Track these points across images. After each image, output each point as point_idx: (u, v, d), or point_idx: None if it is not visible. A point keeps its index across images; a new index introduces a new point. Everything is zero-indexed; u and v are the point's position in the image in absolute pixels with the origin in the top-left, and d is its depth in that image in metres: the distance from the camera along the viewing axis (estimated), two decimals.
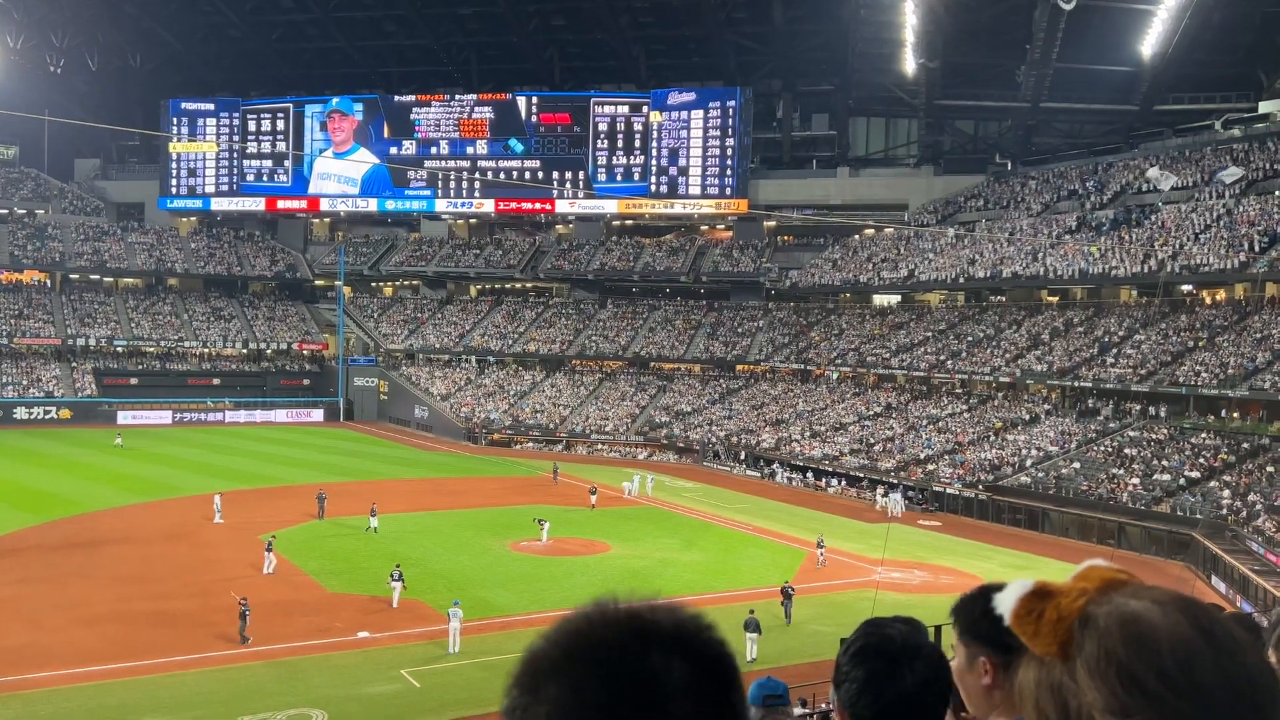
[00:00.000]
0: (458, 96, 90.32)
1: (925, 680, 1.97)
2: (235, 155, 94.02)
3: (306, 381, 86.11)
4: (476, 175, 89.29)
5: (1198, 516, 40.36)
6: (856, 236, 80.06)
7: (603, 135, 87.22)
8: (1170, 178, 62.82)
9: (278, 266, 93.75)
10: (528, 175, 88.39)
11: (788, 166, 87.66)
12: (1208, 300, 56.83)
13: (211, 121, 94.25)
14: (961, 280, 68.36)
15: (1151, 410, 50.27)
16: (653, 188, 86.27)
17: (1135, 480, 44.66)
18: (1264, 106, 62.60)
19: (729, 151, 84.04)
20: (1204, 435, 46.68)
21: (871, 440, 57.99)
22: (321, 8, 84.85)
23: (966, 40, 67.84)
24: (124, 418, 74.40)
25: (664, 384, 75.66)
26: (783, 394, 69.58)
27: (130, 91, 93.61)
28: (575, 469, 59.12)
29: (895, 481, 51.40)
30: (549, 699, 1.08)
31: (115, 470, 54.74)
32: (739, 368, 75.87)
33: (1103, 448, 48.94)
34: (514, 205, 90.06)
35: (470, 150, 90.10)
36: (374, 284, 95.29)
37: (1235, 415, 47.80)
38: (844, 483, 54.70)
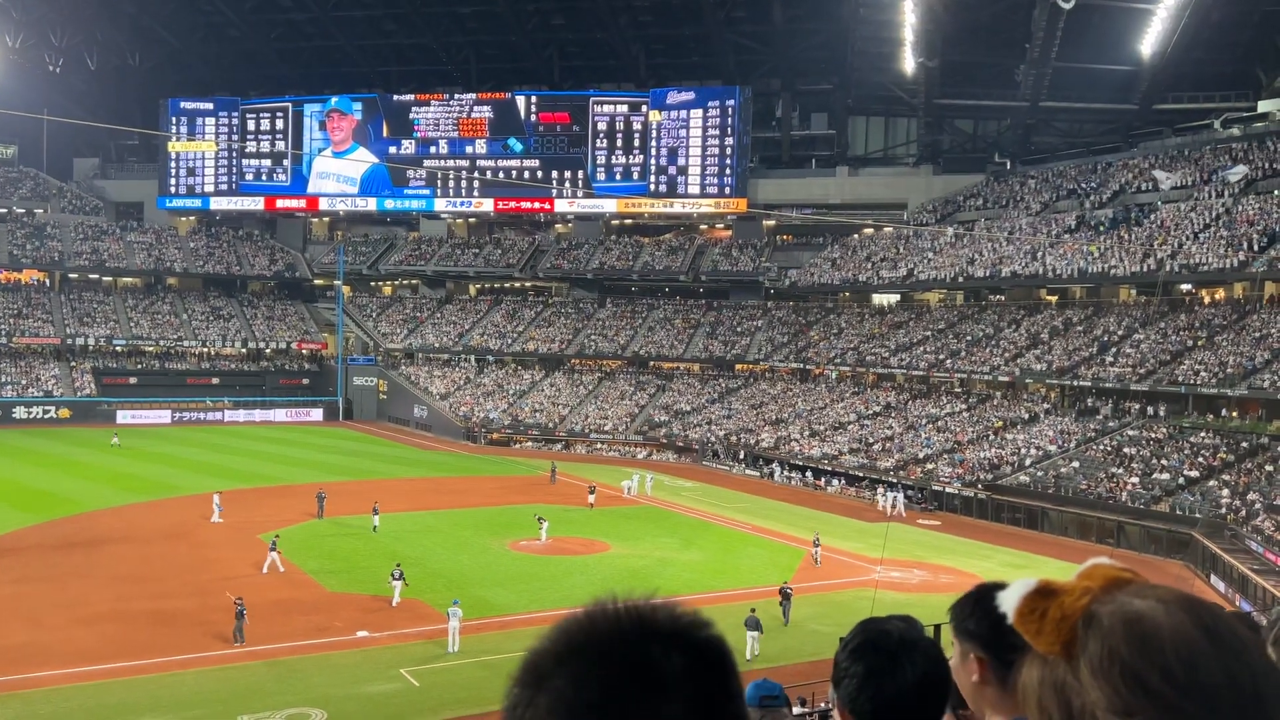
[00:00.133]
0: (457, 96, 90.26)
1: (924, 674, 1.98)
2: (234, 154, 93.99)
3: (306, 381, 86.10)
4: (475, 174, 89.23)
5: (1197, 516, 40.36)
6: (855, 236, 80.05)
7: (602, 134, 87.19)
8: (1174, 179, 62.91)
9: (277, 266, 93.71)
10: (527, 175, 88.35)
11: (787, 166, 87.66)
12: (1207, 299, 56.86)
13: (210, 121, 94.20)
14: (961, 279, 68.38)
15: (1150, 409, 50.25)
16: (652, 187, 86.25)
17: (1134, 479, 44.68)
18: (1263, 105, 62.67)
19: (728, 151, 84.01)
20: (1203, 434, 46.68)
21: (871, 439, 57.99)
22: (321, 7, 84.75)
23: (965, 39, 67.80)
24: (123, 417, 74.38)
25: (663, 383, 75.62)
26: (782, 393, 69.57)
27: (129, 91, 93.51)
28: (574, 468, 59.09)
29: (894, 481, 51.44)
30: (550, 690, 1.12)
31: (114, 470, 54.74)
32: (738, 367, 75.85)
33: (1102, 447, 48.95)
34: (513, 204, 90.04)
35: (469, 149, 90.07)
36: (373, 283, 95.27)
37: (1234, 414, 47.83)
38: (843, 482, 54.76)
